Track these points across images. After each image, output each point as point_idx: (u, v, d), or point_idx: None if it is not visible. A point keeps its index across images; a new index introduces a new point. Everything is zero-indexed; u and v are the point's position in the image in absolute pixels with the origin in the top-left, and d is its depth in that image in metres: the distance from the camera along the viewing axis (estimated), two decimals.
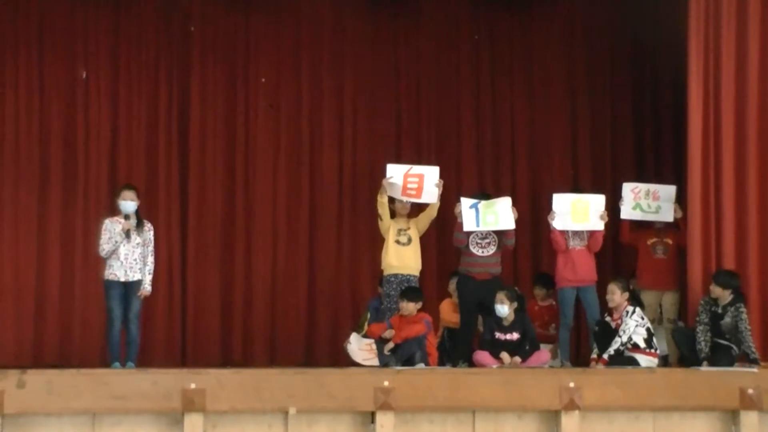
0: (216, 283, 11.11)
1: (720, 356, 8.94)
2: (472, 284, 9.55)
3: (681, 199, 9.94)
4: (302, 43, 11.52)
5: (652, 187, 10.17)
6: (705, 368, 8.69)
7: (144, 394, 7.87)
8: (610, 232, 10.10)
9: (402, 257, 9.58)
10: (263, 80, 11.37)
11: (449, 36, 11.75)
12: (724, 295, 9.10)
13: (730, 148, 9.52)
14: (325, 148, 11.47)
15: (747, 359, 8.92)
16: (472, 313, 9.58)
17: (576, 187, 10.58)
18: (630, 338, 9.03)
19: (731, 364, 8.80)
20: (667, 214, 10.04)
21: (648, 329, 9.12)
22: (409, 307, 9.16)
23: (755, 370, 8.64)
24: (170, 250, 10.98)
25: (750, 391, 8.32)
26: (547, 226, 10.52)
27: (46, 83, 11.04)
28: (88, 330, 10.59)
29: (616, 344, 8.99)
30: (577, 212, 9.72)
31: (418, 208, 9.78)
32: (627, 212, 10.10)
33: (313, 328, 11.18)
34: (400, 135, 11.64)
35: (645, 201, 10.10)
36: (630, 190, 10.13)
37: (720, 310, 9.10)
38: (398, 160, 10.25)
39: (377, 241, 9.91)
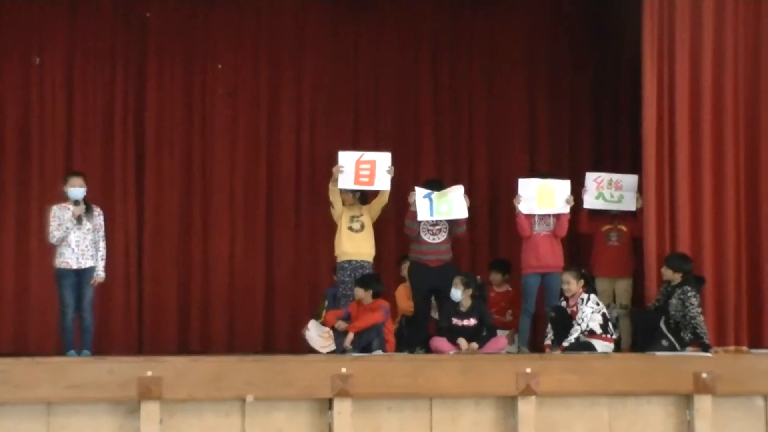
0: (173, 270, 11.06)
1: (649, 343, 9.08)
2: (425, 271, 9.59)
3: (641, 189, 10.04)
4: (261, 31, 11.48)
5: (615, 176, 10.26)
6: (660, 353, 8.78)
7: (100, 382, 7.82)
8: (569, 222, 10.14)
9: (355, 244, 9.63)
10: (220, 66, 11.31)
11: (409, 26, 11.75)
12: (675, 278, 9.22)
13: (684, 135, 9.64)
14: (282, 137, 11.45)
15: (699, 344, 9.01)
16: (426, 299, 9.62)
17: (541, 172, 10.60)
18: (587, 325, 9.11)
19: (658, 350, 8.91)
20: (630, 203, 10.13)
21: (603, 314, 9.20)
22: (360, 293, 9.20)
23: (709, 354, 8.76)
24: (127, 238, 10.92)
25: (704, 375, 8.43)
26: (504, 215, 10.62)
27: (1, 71, 10.91)
28: (44, 319, 10.48)
29: (575, 333, 9.05)
30: (543, 197, 9.79)
31: (373, 195, 9.82)
32: (590, 202, 10.19)
33: (272, 315, 11.17)
34: (358, 124, 11.64)
35: (608, 190, 10.19)
36: (593, 180, 10.21)
37: (669, 289, 9.21)
38: (356, 149, 10.18)
39: (335, 230, 9.90)
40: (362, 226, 9.70)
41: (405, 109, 11.72)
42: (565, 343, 9.03)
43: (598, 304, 9.21)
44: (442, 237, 9.71)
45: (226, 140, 11.30)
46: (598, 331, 9.11)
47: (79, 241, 8.97)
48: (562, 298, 9.35)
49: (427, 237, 9.69)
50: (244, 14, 11.45)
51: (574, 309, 9.19)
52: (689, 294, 9.06)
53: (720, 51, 9.75)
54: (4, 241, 10.77)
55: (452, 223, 9.70)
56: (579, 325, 9.06)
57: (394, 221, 10.80)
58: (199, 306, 11.07)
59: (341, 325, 9.08)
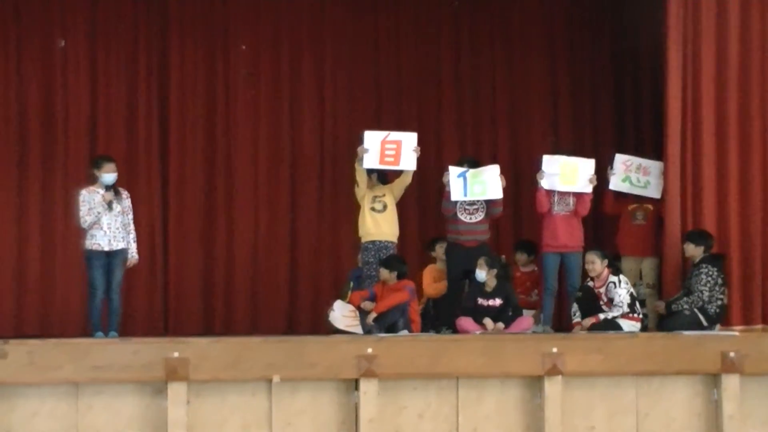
0: (197, 252, 11.07)
1: (673, 320, 9.05)
2: (460, 251, 9.59)
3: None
4: (282, 12, 11.44)
5: (644, 162, 10.21)
6: (687, 332, 8.74)
7: (126, 363, 7.85)
8: (592, 201, 10.12)
9: (378, 224, 9.66)
10: (243, 47, 11.30)
11: (429, 6, 11.71)
12: (697, 254, 9.20)
13: (710, 114, 9.59)
14: (305, 118, 11.43)
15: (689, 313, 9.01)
16: (459, 280, 9.59)
17: (565, 150, 10.57)
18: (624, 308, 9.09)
19: (684, 328, 8.88)
20: (655, 190, 10.08)
21: (631, 294, 9.18)
22: (384, 274, 9.21)
23: (736, 333, 8.72)
24: (151, 219, 10.93)
25: (731, 354, 8.40)
26: (528, 195, 10.56)
27: (24, 54, 10.92)
28: (69, 300, 10.54)
29: (615, 312, 9.02)
30: (566, 174, 9.77)
31: (394, 175, 9.83)
32: (616, 184, 10.15)
33: (295, 296, 11.18)
34: (380, 104, 11.61)
35: (635, 175, 10.15)
36: (622, 162, 10.18)
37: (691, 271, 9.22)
38: (379, 129, 10.19)
39: (358, 211, 9.90)
40: (384, 207, 9.69)
41: (427, 89, 11.68)
42: (601, 316, 8.98)
43: (627, 284, 9.19)
44: (479, 217, 9.70)
45: (249, 121, 11.30)
46: (626, 310, 9.09)
47: (110, 223, 9.01)
48: (589, 279, 9.33)
49: (463, 217, 9.68)
50: None
51: (601, 290, 9.16)
52: (701, 271, 9.07)
53: (746, 33, 9.67)
54: (30, 224, 10.79)
55: (489, 204, 9.69)
56: (620, 307, 9.02)
57: (417, 202, 10.80)
58: (223, 287, 11.09)
59: (368, 305, 9.09)
